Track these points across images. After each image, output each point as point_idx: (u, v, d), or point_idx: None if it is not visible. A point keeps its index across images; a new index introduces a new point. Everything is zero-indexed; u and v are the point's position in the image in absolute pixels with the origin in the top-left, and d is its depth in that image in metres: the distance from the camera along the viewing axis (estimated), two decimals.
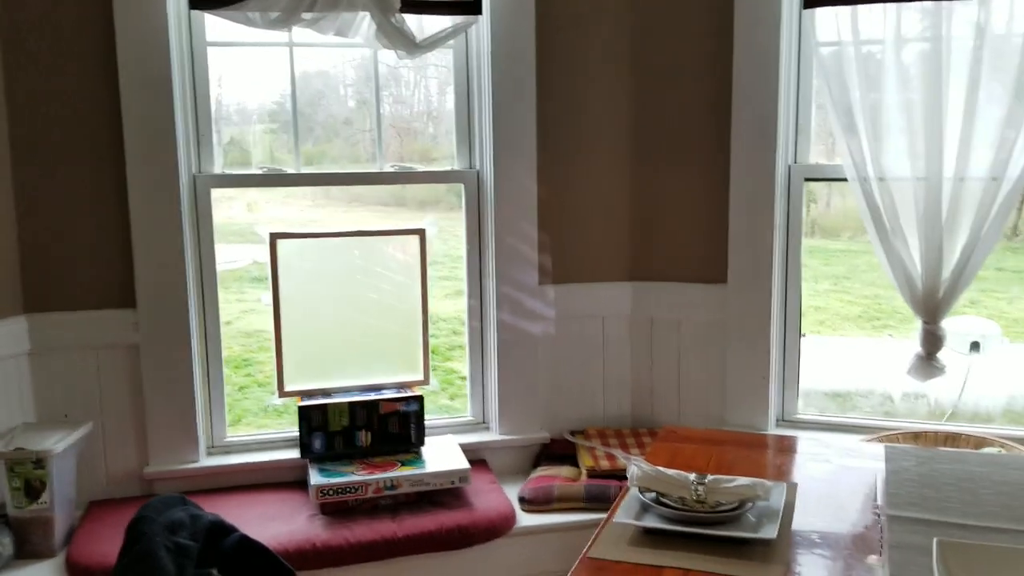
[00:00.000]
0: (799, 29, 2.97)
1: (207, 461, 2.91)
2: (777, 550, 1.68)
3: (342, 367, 3.02)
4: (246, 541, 1.70)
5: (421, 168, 3.13)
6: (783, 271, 3.08)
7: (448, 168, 3.12)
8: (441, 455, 2.88)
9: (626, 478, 1.88)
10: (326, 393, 2.95)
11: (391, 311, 3.07)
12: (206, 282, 2.91)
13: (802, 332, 3.13)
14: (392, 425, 2.91)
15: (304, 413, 2.84)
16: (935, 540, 1.49)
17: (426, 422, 2.96)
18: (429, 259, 3.06)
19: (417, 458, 2.87)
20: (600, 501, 2.77)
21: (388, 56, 2.97)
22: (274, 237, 2.90)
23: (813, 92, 3.01)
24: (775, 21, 2.90)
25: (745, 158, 2.99)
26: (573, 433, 3.19)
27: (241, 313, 5.83)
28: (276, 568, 1.72)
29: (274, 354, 2.94)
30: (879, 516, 1.83)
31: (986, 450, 2.49)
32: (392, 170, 3.07)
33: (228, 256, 5.48)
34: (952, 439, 2.64)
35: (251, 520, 2.60)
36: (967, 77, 2.67)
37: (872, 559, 1.66)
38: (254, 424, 4.71)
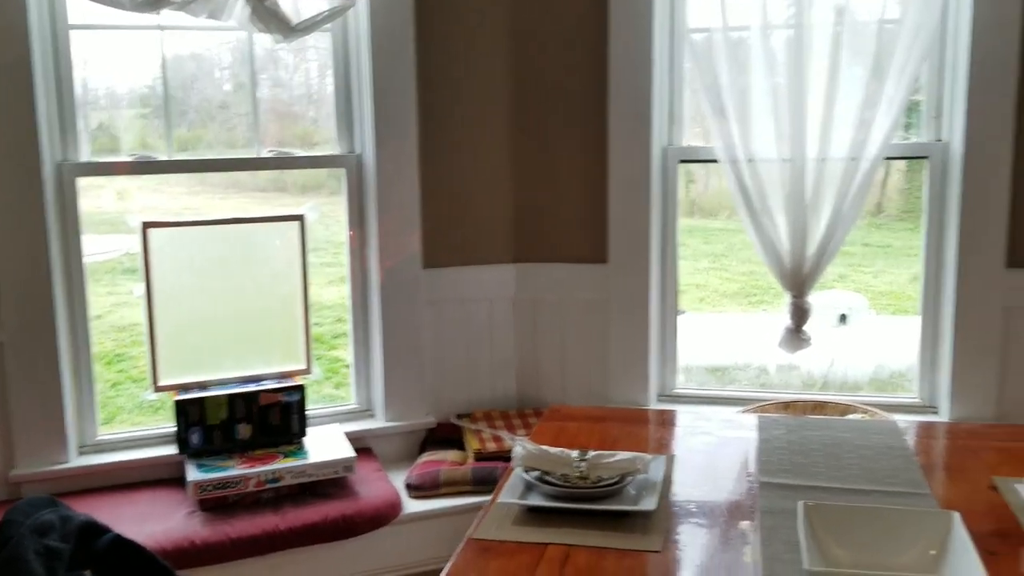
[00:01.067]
0: (672, 15, 3.03)
1: (78, 461, 2.81)
2: (657, 521, 1.73)
3: (220, 359, 2.94)
4: (120, 540, 1.64)
5: (301, 153, 3.07)
6: (661, 250, 3.15)
7: (328, 152, 3.07)
8: (325, 445, 2.84)
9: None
10: (203, 386, 2.87)
11: (271, 300, 3.00)
12: (73, 275, 2.79)
13: (680, 309, 3.22)
14: (273, 416, 2.86)
15: (181, 407, 2.77)
16: (800, 503, 1.57)
17: (310, 412, 2.92)
18: (310, 245, 3.01)
19: (300, 449, 2.83)
20: (487, 483, 2.79)
21: (265, 38, 2.90)
22: (146, 226, 2.80)
23: (687, 77, 3.09)
24: (648, 6, 2.95)
25: (622, 141, 3.05)
26: (460, 417, 3.20)
27: (113, 306, 5.63)
28: (153, 567, 1.67)
29: (148, 348, 2.85)
30: (752, 483, 1.90)
31: (850, 417, 2.61)
32: (270, 155, 3.00)
33: (98, 247, 5.28)
34: (820, 407, 2.76)
35: (126, 519, 2.52)
36: (829, 61, 2.78)
37: (745, 524, 1.72)
38: (129, 421, 4.55)
